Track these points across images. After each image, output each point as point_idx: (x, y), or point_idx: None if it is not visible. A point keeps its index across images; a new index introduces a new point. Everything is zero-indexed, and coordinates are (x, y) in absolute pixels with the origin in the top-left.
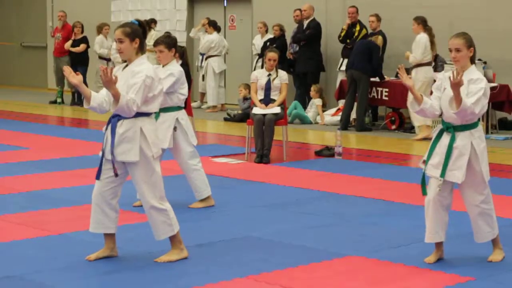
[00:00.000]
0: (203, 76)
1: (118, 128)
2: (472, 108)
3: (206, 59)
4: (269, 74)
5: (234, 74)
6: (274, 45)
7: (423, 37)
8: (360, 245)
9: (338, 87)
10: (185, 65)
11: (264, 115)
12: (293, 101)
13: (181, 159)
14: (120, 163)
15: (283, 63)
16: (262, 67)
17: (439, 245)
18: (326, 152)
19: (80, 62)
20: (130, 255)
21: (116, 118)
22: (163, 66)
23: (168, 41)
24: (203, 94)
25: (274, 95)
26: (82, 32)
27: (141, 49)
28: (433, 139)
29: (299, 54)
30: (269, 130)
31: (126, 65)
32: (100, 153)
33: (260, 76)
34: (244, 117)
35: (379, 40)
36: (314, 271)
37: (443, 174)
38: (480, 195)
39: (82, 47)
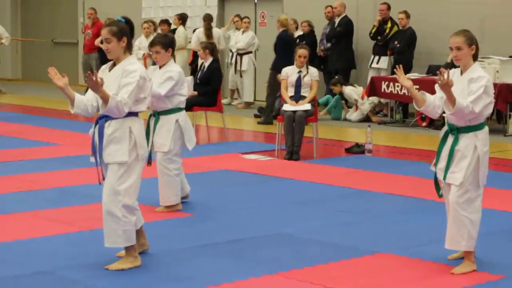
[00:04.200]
0: (238, 72)
1: (106, 129)
2: (470, 107)
3: (242, 55)
4: (300, 71)
5: (265, 71)
6: (304, 42)
7: (198, 31)
8: (390, 242)
9: (368, 84)
10: (216, 62)
11: (294, 111)
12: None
13: (160, 158)
14: (105, 165)
15: (313, 60)
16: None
17: None
18: (356, 149)
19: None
20: (159, 251)
21: (103, 119)
22: (160, 67)
23: (164, 41)
24: (233, 91)
25: (304, 92)
26: None
27: (129, 48)
28: (439, 141)
29: (331, 51)
30: (299, 126)
31: (114, 65)
32: (92, 158)
33: (290, 72)
34: (275, 113)
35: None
36: (344, 268)
37: (445, 176)
38: (459, 197)
39: None
